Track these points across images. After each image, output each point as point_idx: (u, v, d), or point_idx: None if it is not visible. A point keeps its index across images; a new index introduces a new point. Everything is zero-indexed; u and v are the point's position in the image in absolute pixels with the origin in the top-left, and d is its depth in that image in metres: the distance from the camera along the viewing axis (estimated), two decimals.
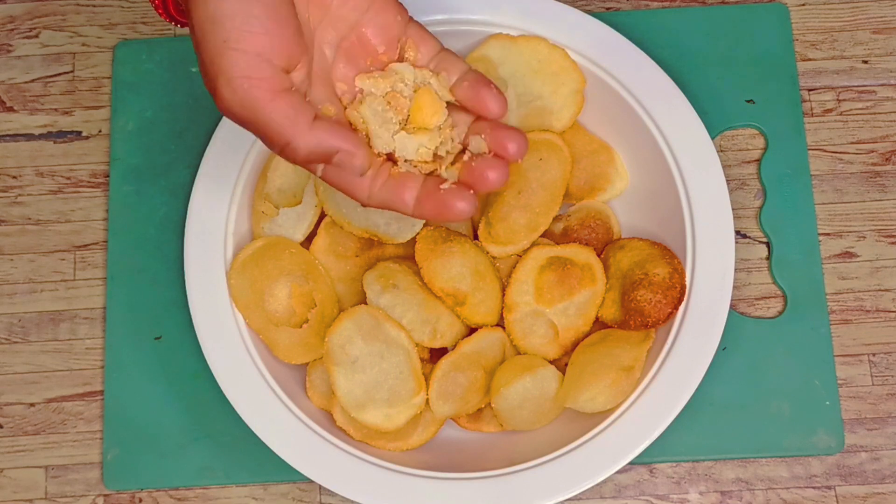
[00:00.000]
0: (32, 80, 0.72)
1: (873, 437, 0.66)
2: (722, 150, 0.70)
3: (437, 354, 0.63)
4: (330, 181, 0.49)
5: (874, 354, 0.67)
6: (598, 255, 0.65)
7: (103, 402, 0.67)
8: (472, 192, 0.49)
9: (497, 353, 0.63)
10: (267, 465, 0.64)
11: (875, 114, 0.71)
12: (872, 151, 0.71)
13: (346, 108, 0.50)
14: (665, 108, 0.64)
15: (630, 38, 0.65)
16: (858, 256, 0.69)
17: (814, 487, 0.65)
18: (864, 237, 0.69)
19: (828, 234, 0.69)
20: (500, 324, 0.64)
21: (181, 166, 0.70)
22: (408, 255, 0.64)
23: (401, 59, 0.51)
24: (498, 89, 0.51)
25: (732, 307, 0.68)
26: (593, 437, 0.59)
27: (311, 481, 0.63)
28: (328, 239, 0.64)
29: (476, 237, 0.65)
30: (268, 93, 0.45)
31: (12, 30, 0.73)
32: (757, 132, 0.71)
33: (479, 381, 0.62)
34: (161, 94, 0.71)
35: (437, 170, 0.51)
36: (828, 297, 0.68)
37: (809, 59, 0.72)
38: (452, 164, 0.51)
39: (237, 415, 0.60)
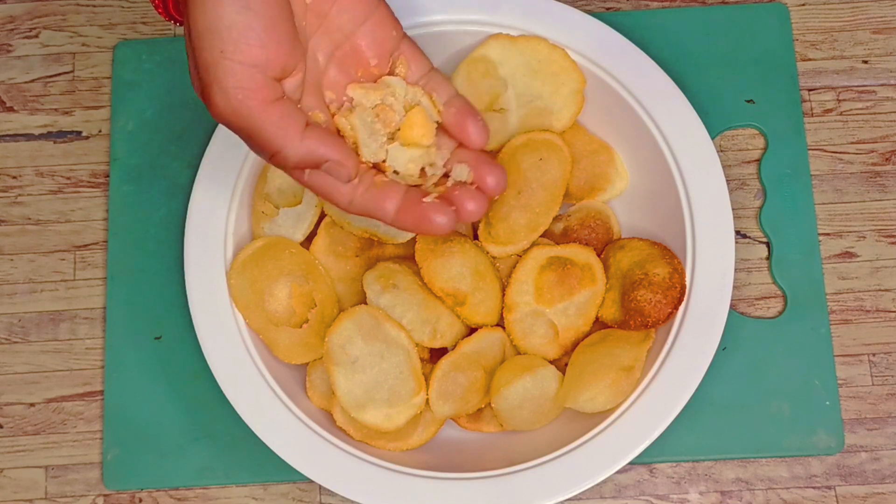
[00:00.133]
0: (32, 80, 0.72)
1: (873, 437, 0.66)
2: (722, 150, 0.70)
3: (437, 354, 0.63)
4: (312, 186, 0.50)
5: (874, 354, 0.67)
6: (598, 255, 0.65)
7: (103, 402, 0.67)
8: (453, 208, 0.50)
9: (497, 353, 0.63)
10: (267, 465, 0.64)
11: (875, 114, 0.71)
12: (872, 151, 0.71)
13: (333, 115, 0.51)
14: (665, 108, 0.64)
15: (630, 38, 0.65)
16: (858, 256, 0.69)
17: (814, 487, 0.65)
18: (864, 237, 0.69)
19: (828, 234, 0.69)
20: (500, 324, 0.64)
21: (181, 166, 0.70)
22: (408, 255, 0.64)
23: (391, 74, 0.52)
24: (482, 120, 0.52)
25: (732, 307, 0.68)
26: (593, 437, 0.59)
27: (311, 481, 0.63)
28: (328, 239, 0.64)
29: (476, 237, 0.65)
30: (261, 102, 0.46)
31: (12, 30, 0.73)
32: (757, 132, 0.71)
33: (479, 381, 0.62)
34: (161, 94, 0.71)
35: (421, 185, 0.51)
36: (828, 297, 0.68)
37: (809, 59, 0.72)
38: (436, 185, 0.51)
39: (237, 415, 0.60)
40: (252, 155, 0.64)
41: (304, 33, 0.49)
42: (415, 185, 0.51)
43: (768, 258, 0.69)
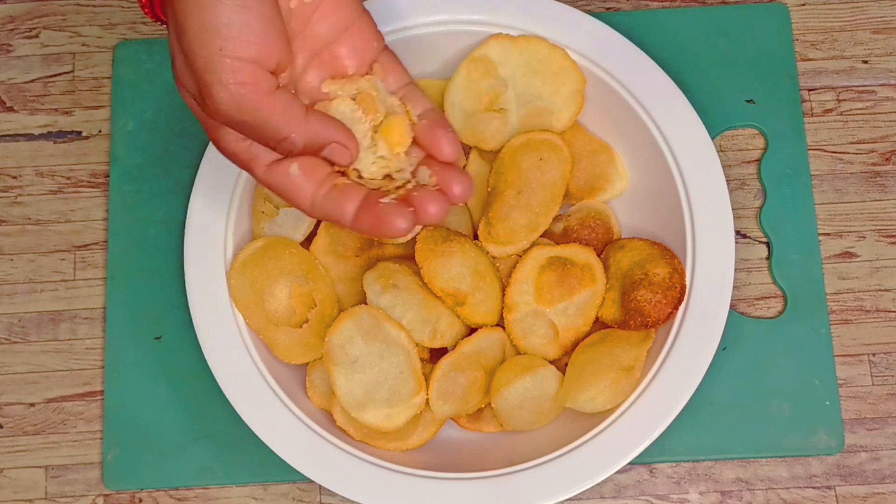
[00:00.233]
0: (32, 80, 0.72)
1: (873, 437, 0.66)
2: (722, 150, 0.70)
3: (437, 354, 0.63)
4: (273, 186, 0.50)
5: (874, 354, 0.67)
6: (598, 255, 0.65)
7: (103, 402, 0.67)
8: (411, 210, 0.49)
9: (497, 353, 0.63)
10: (267, 465, 0.64)
11: (875, 114, 0.71)
12: (872, 151, 0.71)
13: None
14: (665, 108, 0.64)
15: (630, 38, 0.65)
16: (858, 256, 0.69)
17: (814, 487, 0.65)
18: (864, 237, 0.69)
19: (828, 234, 0.69)
20: (500, 324, 0.64)
21: (181, 166, 0.70)
22: (408, 255, 0.64)
23: None
24: (454, 133, 0.51)
25: (732, 307, 0.68)
26: (593, 437, 0.59)
27: (311, 481, 0.63)
28: (328, 239, 0.64)
29: (476, 237, 0.65)
30: (264, 94, 0.47)
31: (12, 30, 0.73)
32: (757, 132, 0.71)
33: (479, 381, 0.62)
34: (161, 94, 0.71)
35: (382, 188, 0.51)
36: (828, 297, 0.68)
37: (809, 59, 0.72)
38: (398, 188, 0.51)
39: (237, 415, 0.60)
40: None
41: (287, 36, 0.50)
42: (375, 190, 0.51)
43: (768, 258, 0.69)
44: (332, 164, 0.50)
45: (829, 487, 0.65)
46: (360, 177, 0.51)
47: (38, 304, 0.69)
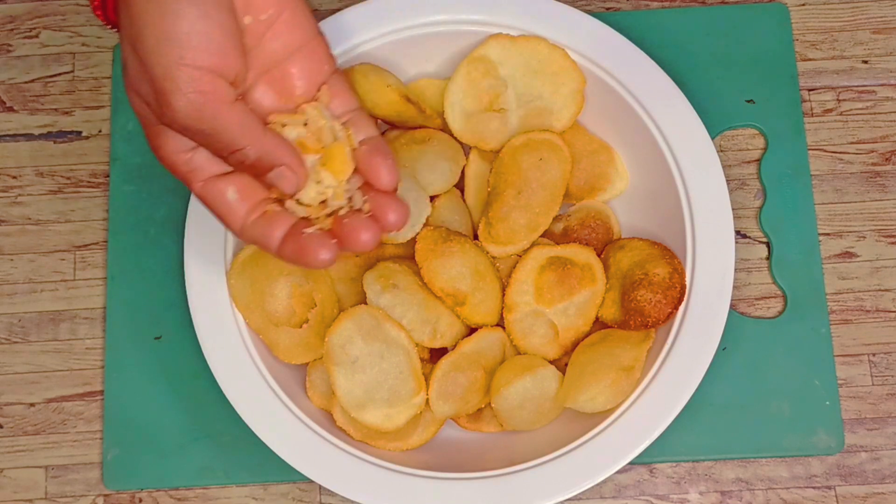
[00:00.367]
0: (32, 80, 0.72)
1: (873, 437, 0.66)
2: (722, 150, 0.70)
3: (437, 354, 0.63)
4: (208, 203, 0.50)
5: (874, 354, 0.67)
6: (598, 255, 0.65)
7: (103, 402, 0.67)
8: (335, 241, 0.49)
9: (497, 353, 0.63)
10: (267, 465, 0.64)
11: (875, 114, 0.71)
12: (872, 151, 0.71)
13: None
14: (665, 108, 0.64)
15: (630, 38, 0.65)
16: (858, 256, 0.69)
17: (814, 487, 0.65)
18: (864, 237, 0.69)
19: (828, 234, 0.69)
20: (500, 324, 0.64)
21: None
22: (408, 255, 0.64)
23: (313, 101, 0.52)
24: (394, 162, 0.51)
25: (732, 307, 0.68)
26: (593, 437, 0.59)
27: (311, 481, 0.63)
28: None
29: (476, 237, 0.65)
30: (222, 104, 0.47)
31: (12, 30, 0.73)
32: (757, 132, 0.71)
33: (479, 381, 0.62)
34: None
35: (312, 216, 0.51)
36: (828, 297, 0.68)
37: (809, 59, 0.72)
38: (329, 216, 0.51)
39: (237, 415, 0.60)
40: None
41: None
42: (305, 218, 0.51)
43: (768, 258, 0.69)
44: (270, 188, 0.50)
45: (829, 487, 0.65)
46: (297, 201, 0.51)
47: (38, 304, 0.69)
